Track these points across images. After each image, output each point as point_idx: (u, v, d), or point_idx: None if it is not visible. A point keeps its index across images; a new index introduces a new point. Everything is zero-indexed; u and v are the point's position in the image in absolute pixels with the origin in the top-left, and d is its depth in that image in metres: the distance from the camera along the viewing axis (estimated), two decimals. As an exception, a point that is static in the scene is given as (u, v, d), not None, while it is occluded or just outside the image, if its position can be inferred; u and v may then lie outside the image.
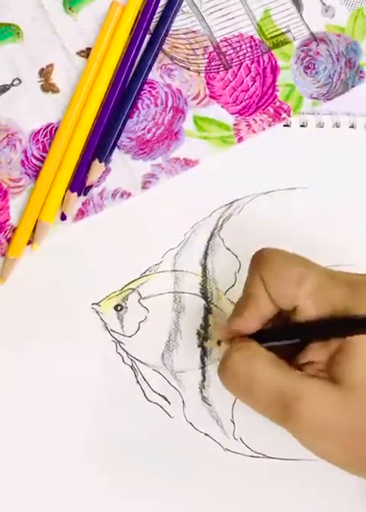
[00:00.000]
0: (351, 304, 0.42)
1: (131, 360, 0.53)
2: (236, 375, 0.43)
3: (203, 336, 0.53)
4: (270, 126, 0.56)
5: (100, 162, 0.55)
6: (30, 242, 0.54)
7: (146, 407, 0.52)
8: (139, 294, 0.53)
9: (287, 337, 0.44)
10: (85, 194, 0.55)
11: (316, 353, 0.43)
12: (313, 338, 0.43)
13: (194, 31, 0.57)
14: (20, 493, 0.52)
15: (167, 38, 0.57)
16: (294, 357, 0.44)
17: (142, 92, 0.56)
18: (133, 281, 0.54)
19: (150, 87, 0.57)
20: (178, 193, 0.55)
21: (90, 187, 0.55)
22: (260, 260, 0.45)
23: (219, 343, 0.53)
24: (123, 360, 0.53)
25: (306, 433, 0.42)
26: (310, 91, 0.57)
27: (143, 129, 0.56)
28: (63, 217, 0.55)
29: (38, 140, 0.56)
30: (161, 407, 0.52)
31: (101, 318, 0.53)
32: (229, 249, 0.54)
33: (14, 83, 0.57)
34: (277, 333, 0.45)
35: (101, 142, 0.55)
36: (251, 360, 0.43)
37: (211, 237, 0.54)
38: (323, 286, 0.43)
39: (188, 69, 0.57)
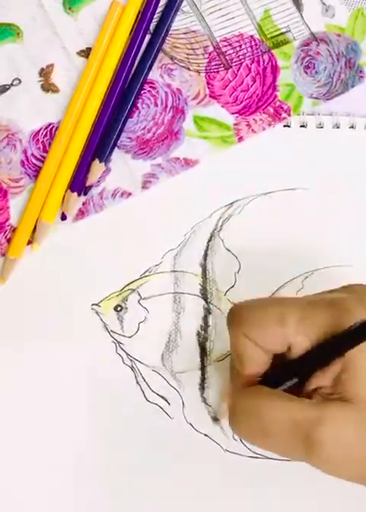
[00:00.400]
0: (338, 321, 0.42)
1: (131, 360, 0.53)
2: (248, 418, 0.43)
3: (203, 336, 0.53)
4: (270, 125, 0.56)
5: (100, 162, 0.55)
6: (30, 242, 0.55)
7: (145, 407, 0.52)
8: (139, 295, 0.53)
9: (290, 377, 0.44)
10: (85, 194, 0.55)
11: (321, 378, 0.43)
12: (315, 368, 0.43)
13: (194, 31, 0.57)
14: (20, 493, 0.52)
15: (167, 38, 0.57)
16: (298, 390, 0.43)
17: (142, 92, 0.56)
18: (132, 282, 0.54)
19: (150, 87, 0.57)
20: (178, 193, 0.55)
21: (90, 186, 0.55)
22: (235, 318, 0.45)
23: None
24: (122, 361, 0.53)
25: (331, 459, 0.41)
26: (310, 90, 0.57)
27: (143, 128, 0.56)
28: (63, 217, 0.55)
29: (38, 140, 0.56)
30: (160, 407, 0.52)
31: (101, 319, 0.53)
32: (229, 250, 0.54)
33: (14, 83, 0.57)
34: (278, 377, 0.44)
35: (101, 142, 0.55)
36: (259, 399, 0.43)
37: (211, 237, 0.54)
38: (305, 315, 0.43)
39: (188, 69, 0.57)
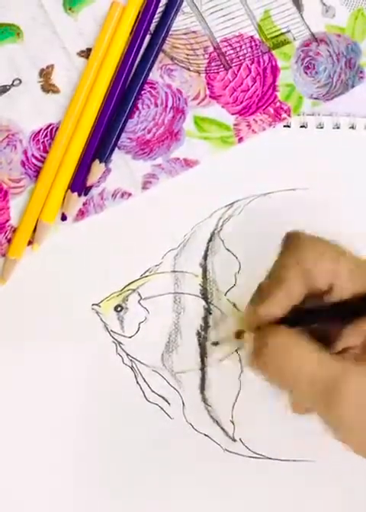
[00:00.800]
0: None
1: (131, 360, 0.53)
2: (276, 358, 0.42)
3: (203, 336, 0.53)
4: (270, 126, 0.56)
5: (100, 162, 0.55)
6: (30, 243, 0.55)
7: (145, 407, 0.52)
8: (139, 295, 0.53)
9: (321, 318, 0.44)
10: (85, 194, 0.55)
11: (352, 338, 0.43)
12: (351, 316, 0.43)
13: (194, 31, 0.57)
14: (20, 493, 0.52)
15: (167, 38, 0.57)
16: (326, 344, 0.43)
17: (143, 92, 0.56)
18: (133, 282, 0.54)
19: (150, 87, 0.57)
20: (178, 194, 0.55)
21: (90, 187, 0.55)
22: (295, 242, 0.45)
23: (238, 336, 0.50)
24: (123, 361, 0.53)
25: (352, 418, 0.41)
26: (310, 91, 0.57)
27: (143, 129, 0.56)
28: (64, 217, 0.55)
29: (38, 140, 0.56)
30: (161, 407, 0.52)
31: (101, 319, 0.53)
32: (229, 250, 0.54)
33: (14, 83, 0.57)
34: (307, 316, 0.44)
35: (102, 143, 0.55)
36: (289, 344, 0.42)
37: (211, 238, 0.54)
38: (359, 264, 0.43)
39: (188, 69, 0.57)
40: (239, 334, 0.49)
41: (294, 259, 0.44)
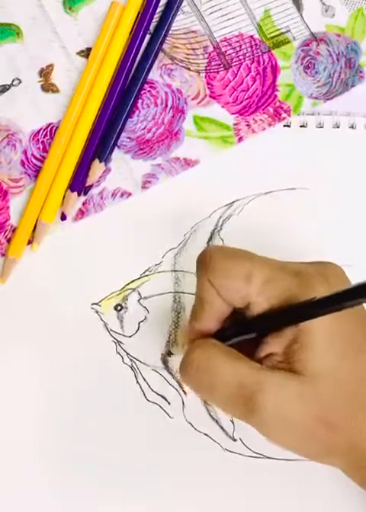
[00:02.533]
0: (300, 292, 0.42)
1: (131, 360, 0.53)
2: (198, 371, 0.44)
3: (203, 336, 0.53)
4: (270, 126, 0.56)
5: (100, 162, 0.55)
6: (30, 242, 0.55)
7: (145, 407, 0.52)
8: (139, 294, 0.53)
9: (245, 332, 0.45)
10: (85, 194, 0.55)
11: (273, 345, 0.43)
12: (267, 331, 0.43)
13: (194, 31, 0.57)
14: (21, 493, 0.52)
15: (167, 38, 0.57)
16: (253, 354, 0.44)
17: (142, 92, 0.56)
18: (133, 281, 0.54)
19: (150, 87, 0.57)
20: (178, 193, 0.55)
21: (90, 186, 0.55)
22: (204, 262, 0.45)
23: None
24: (122, 361, 0.53)
25: (270, 425, 0.42)
26: (310, 90, 0.57)
27: (143, 128, 0.56)
28: (63, 217, 0.55)
29: (38, 140, 0.56)
30: (161, 407, 0.52)
31: (101, 318, 0.53)
32: (229, 249, 0.54)
33: (14, 83, 0.57)
34: (234, 330, 0.45)
35: (101, 142, 0.55)
36: (211, 355, 0.44)
37: (211, 237, 0.54)
38: (271, 278, 0.43)
39: (188, 69, 0.57)
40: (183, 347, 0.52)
41: (206, 278, 0.44)
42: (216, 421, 0.52)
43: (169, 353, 0.53)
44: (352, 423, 0.42)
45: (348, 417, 0.42)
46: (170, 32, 0.57)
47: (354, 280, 0.46)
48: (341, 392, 0.42)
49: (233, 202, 0.55)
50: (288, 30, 0.57)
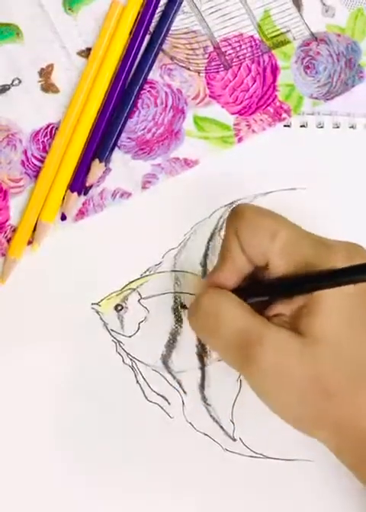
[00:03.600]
0: (319, 261, 0.43)
1: (131, 360, 0.53)
2: (205, 314, 0.44)
3: (203, 336, 0.53)
4: (270, 126, 0.56)
5: (100, 162, 0.55)
6: (30, 242, 0.54)
7: (145, 407, 0.52)
8: (139, 294, 0.53)
9: (259, 294, 0.45)
10: (85, 194, 0.55)
11: (283, 306, 0.44)
12: (282, 294, 0.44)
13: (194, 31, 0.57)
14: (21, 493, 0.52)
15: (167, 38, 0.57)
16: (263, 311, 0.45)
17: (142, 92, 0.56)
18: (133, 281, 0.54)
19: (150, 87, 0.57)
20: (178, 193, 0.55)
21: (90, 186, 0.55)
22: (235, 215, 0.46)
23: None
24: (123, 360, 0.53)
25: (264, 379, 0.43)
26: (310, 91, 0.57)
27: (143, 129, 0.56)
28: (63, 217, 0.55)
29: (38, 140, 0.56)
30: (161, 407, 0.52)
31: (101, 318, 0.53)
32: (229, 249, 0.54)
33: (14, 83, 0.57)
34: (249, 291, 0.46)
35: (101, 142, 0.55)
36: (221, 301, 0.44)
37: (211, 237, 0.54)
38: (295, 242, 0.44)
39: (188, 69, 0.57)
40: None
41: (233, 230, 0.45)
42: (217, 421, 0.52)
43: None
44: (348, 397, 0.42)
45: (346, 390, 0.42)
46: (170, 32, 0.57)
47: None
48: (342, 364, 0.42)
49: (233, 202, 0.55)
50: (288, 30, 0.57)
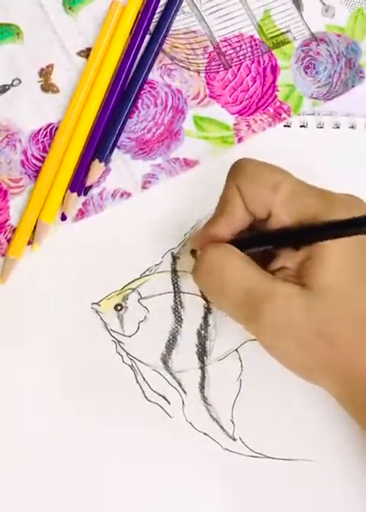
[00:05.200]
0: (322, 212, 0.43)
1: (131, 359, 0.53)
2: (210, 271, 0.44)
3: (203, 336, 0.53)
4: (270, 126, 0.56)
5: (100, 162, 0.55)
6: (30, 242, 0.55)
7: (145, 407, 0.52)
8: (139, 294, 0.53)
9: (261, 243, 0.45)
10: (85, 194, 0.55)
11: (288, 259, 0.44)
12: (284, 245, 0.44)
13: (194, 31, 0.57)
14: (21, 493, 0.52)
15: (167, 38, 0.57)
16: (267, 265, 0.45)
17: (142, 92, 0.56)
18: (133, 281, 0.54)
19: (150, 87, 0.57)
20: (178, 193, 0.55)
21: (90, 187, 0.55)
22: (237, 168, 0.46)
23: (193, 254, 0.54)
24: (122, 360, 0.53)
25: (272, 334, 0.43)
26: (310, 91, 0.57)
27: (143, 129, 0.56)
28: (63, 217, 0.55)
29: (38, 140, 0.56)
30: (161, 407, 0.52)
31: (101, 318, 0.53)
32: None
33: (14, 83, 0.57)
34: (250, 240, 0.46)
35: (101, 142, 0.55)
36: (225, 257, 0.44)
37: (211, 237, 0.54)
38: (297, 194, 0.44)
39: (188, 69, 0.57)
40: (193, 253, 0.53)
41: (234, 183, 0.45)
42: (217, 421, 0.52)
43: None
44: (354, 345, 0.43)
45: (350, 338, 0.43)
46: (170, 32, 0.57)
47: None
48: (347, 313, 0.43)
49: (233, 202, 0.55)
50: (288, 30, 0.57)
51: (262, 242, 0.45)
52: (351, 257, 0.43)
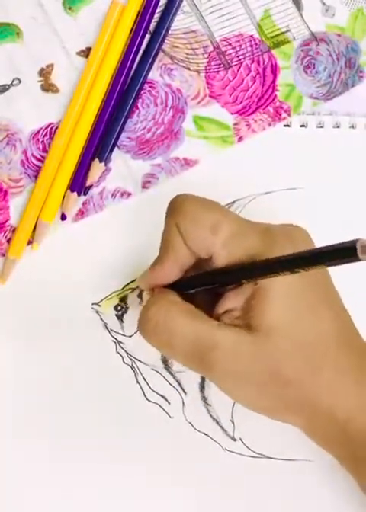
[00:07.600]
0: (263, 251, 0.42)
1: (131, 359, 0.53)
2: (155, 327, 0.44)
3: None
4: (270, 125, 0.56)
5: (100, 162, 0.55)
6: (30, 242, 0.54)
7: (145, 407, 0.52)
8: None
9: (205, 283, 0.45)
10: (84, 194, 0.55)
11: (232, 301, 0.43)
12: (227, 283, 0.44)
13: (193, 31, 0.57)
14: (21, 493, 0.52)
15: (167, 38, 0.57)
16: (213, 310, 0.44)
17: (142, 92, 0.56)
18: (133, 281, 0.54)
19: (150, 87, 0.57)
20: (177, 193, 0.55)
21: (90, 186, 0.55)
22: (175, 207, 0.45)
23: (139, 296, 0.53)
24: (123, 360, 0.53)
25: (224, 380, 0.43)
26: (310, 90, 0.57)
27: (143, 128, 0.56)
28: (63, 217, 0.55)
29: (38, 140, 0.56)
30: (161, 407, 0.52)
31: (101, 318, 0.53)
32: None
33: (14, 83, 0.57)
34: (195, 280, 0.45)
35: (101, 142, 0.55)
36: (168, 311, 0.44)
37: (211, 237, 0.54)
38: (237, 234, 0.44)
39: (188, 69, 0.57)
40: (140, 294, 0.53)
41: (174, 222, 0.45)
42: (217, 421, 0.52)
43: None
44: (307, 379, 0.43)
45: (302, 373, 0.42)
46: (170, 32, 0.57)
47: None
48: (295, 349, 0.42)
49: (233, 202, 0.55)
50: (288, 30, 0.57)
51: (207, 282, 0.45)
52: (293, 290, 0.43)
